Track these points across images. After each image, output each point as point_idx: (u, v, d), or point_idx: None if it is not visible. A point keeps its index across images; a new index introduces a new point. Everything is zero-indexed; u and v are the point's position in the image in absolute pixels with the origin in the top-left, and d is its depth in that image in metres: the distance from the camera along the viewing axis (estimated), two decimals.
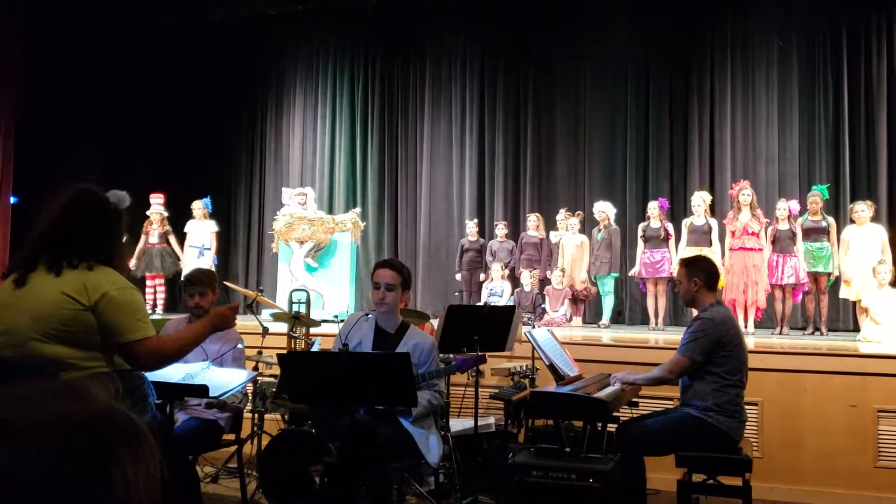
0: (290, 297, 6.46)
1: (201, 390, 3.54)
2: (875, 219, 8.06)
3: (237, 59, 12.02)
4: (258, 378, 4.98)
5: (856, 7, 9.75)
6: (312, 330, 5.71)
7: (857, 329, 7.84)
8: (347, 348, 3.74)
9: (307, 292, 6.40)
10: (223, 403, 4.07)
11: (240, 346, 4.33)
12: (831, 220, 8.22)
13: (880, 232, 7.87)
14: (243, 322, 7.31)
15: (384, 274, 3.88)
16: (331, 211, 11.06)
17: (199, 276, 4.44)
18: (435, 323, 4.79)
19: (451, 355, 4.65)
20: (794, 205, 8.32)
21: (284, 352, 5.05)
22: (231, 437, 4.56)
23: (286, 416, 5.14)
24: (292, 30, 11.94)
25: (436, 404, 3.93)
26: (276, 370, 5.31)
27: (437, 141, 11.64)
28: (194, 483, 3.79)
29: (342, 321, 5.03)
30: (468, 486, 4.73)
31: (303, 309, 5.82)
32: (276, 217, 9.79)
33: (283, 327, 5.72)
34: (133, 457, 0.77)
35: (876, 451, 5.14)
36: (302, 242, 9.42)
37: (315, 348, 5.20)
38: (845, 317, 9.06)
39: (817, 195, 8.24)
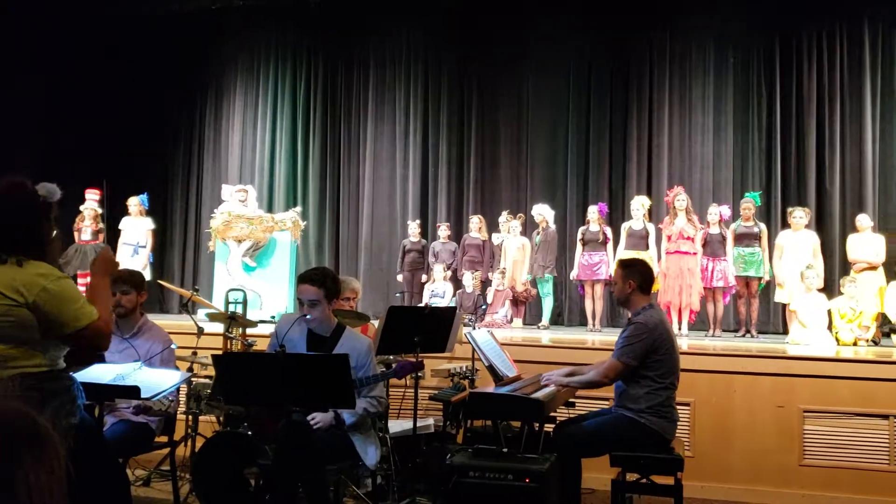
0: (227, 296, 6.34)
1: (133, 391, 3.44)
2: (807, 225, 8.35)
3: (176, 54, 11.76)
4: (192, 379, 4.88)
5: (788, 23, 10.14)
6: (249, 331, 5.61)
7: (786, 332, 8.10)
8: (284, 349, 3.70)
9: (244, 292, 6.30)
10: (149, 408, 3.97)
11: (173, 346, 4.23)
12: (763, 226, 8.50)
13: (813, 238, 8.16)
14: (178, 322, 7.18)
15: (305, 290, 3.85)
16: (270, 209, 10.93)
17: (121, 274, 4.33)
18: (376, 324, 4.77)
19: (391, 357, 4.64)
20: (726, 210, 8.58)
21: (220, 353, 4.97)
22: (164, 439, 4.46)
23: (221, 418, 5.04)
24: (233, 25, 11.75)
25: (373, 412, 3.91)
26: (212, 371, 5.23)
27: (381, 141, 11.60)
28: (124, 486, 3.68)
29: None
30: (406, 488, 4.72)
31: (239, 309, 5.72)
32: (213, 215, 9.61)
33: (219, 328, 5.62)
34: (36, 460, 0.75)
35: (801, 449, 5.31)
36: (240, 241, 9.26)
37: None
38: (775, 319, 9.38)
39: (750, 202, 8.49)
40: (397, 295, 9.65)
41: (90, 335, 2.62)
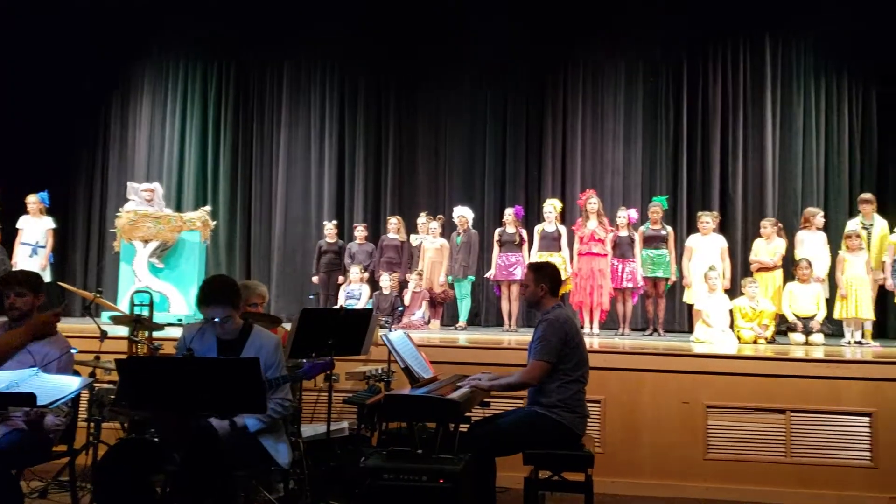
0: (132, 299, 6.09)
1: (28, 399, 3.27)
2: (714, 229, 8.68)
3: (82, 48, 11.24)
4: (95, 385, 4.68)
5: (695, 37, 10.58)
6: (156, 334, 5.42)
7: (691, 330, 8.39)
8: (192, 353, 3.59)
9: (151, 294, 6.06)
10: (38, 422, 3.78)
11: (72, 351, 4.04)
12: (670, 228, 8.80)
13: (720, 241, 8.49)
14: (80, 325, 6.88)
15: (214, 312, 3.76)
16: (179, 208, 10.62)
17: (15, 275, 4.11)
18: (288, 327, 4.68)
19: (304, 360, 4.56)
20: (634, 213, 8.87)
21: (124, 357, 4.78)
22: (63, 448, 4.25)
23: (125, 425, 4.86)
24: (143, 19, 11.34)
25: (281, 412, 3.85)
26: (115, 376, 5.02)
27: (295, 140, 11.44)
28: (17, 499, 3.50)
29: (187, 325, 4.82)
30: (319, 492, 4.65)
31: (145, 312, 5.51)
32: (118, 214, 9.24)
33: (123, 331, 5.41)
34: None
35: (705, 444, 5.52)
36: (146, 241, 8.94)
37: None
38: (680, 318, 9.73)
39: (657, 205, 8.78)
40: (311, 297, 9.52)
41: None
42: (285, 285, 10.98)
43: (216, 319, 3.75)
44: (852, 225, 8.27)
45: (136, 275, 8.88)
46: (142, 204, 9.23)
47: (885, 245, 7.86)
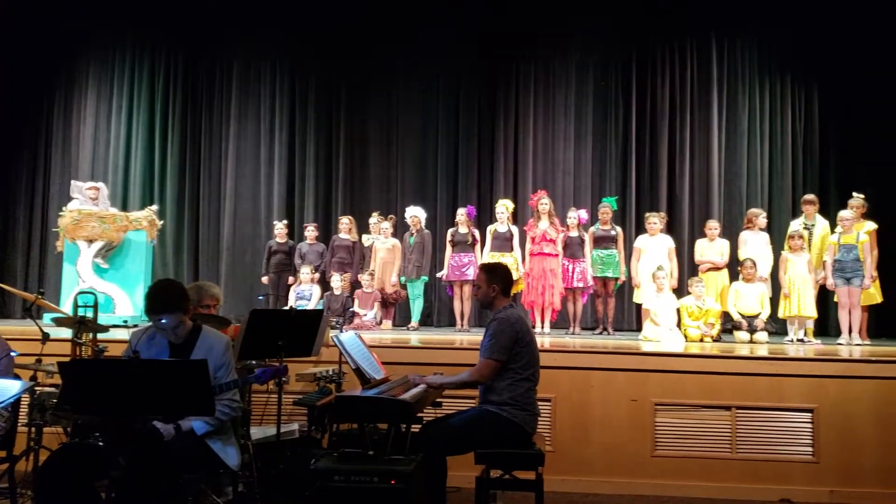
0: (76, 300, 5.94)
1: None
2: (662, 229, 8.83)
3: (22, 41, 10.91)
4: (36, 389, 4.55)
5: (643, 40, 10.76)
6: (100, 336, 5.30)
7: (639, 329, 8.52)
8: (138, 355, 3.52)
9: (95, 295, 5.92)
10: None
11: (12, 354, 3.92)
12: (619, 229, 8.93)
13: (668, 241, 8.63)
14: (21, 327, 6.69)
15: (166, 318, 3.72)
16: (125, 207, 10.40)
17: None
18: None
19: (253, 362, 4.50)
20: (584, 214, 8.97)
21: (67, 359, 4.66)
22: (2, 454, 4.13)
23: (68, 429, 4.73)
24: (88, 12, 11.06)
25: (230, 414, 3.80)
26: (58, 379, 4.89)
27: (244, 138, 11.30)
28: None
29: (134, 326, 4.72)
30: (269, 495, 4.60)
31: (90, 313, 5.37)
32: (62, 213, 8.99)
33: (67, 333, 5.27)
34: None
35: (653, 441, 5.61)
36: (91, 241, 8.72)
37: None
38: (629, 317, 9.87)
39: (607, 206, 8.90)
40: (261, 298, 9.41)
41: None
42: (234, 286, 10.82)
43: (165, 323, 3.68)
44: (795, 225, 8.49)
45: (79, 275, 8.66)
46: (86, 203, 9.01)
47: (826, 245, 8.09)
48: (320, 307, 8.71)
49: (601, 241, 8.73)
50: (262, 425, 5.25)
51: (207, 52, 11.42)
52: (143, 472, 3.37)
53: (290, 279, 9.53)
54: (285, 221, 10.07)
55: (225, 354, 3.81)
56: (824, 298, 8.65)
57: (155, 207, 9.62)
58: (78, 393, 3.39)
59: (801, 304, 7.83)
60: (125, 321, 8.09)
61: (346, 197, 11.15)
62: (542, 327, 8.49)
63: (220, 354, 3.78)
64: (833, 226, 8.09)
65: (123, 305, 8.61)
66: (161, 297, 3.72)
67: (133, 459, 3.36)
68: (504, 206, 8.99)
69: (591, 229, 8.85)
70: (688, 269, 9.37)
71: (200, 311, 4.44)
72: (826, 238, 8.20)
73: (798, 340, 7.80)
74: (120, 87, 11.36)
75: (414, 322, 9.25)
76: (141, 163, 11.24)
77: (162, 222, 9.73)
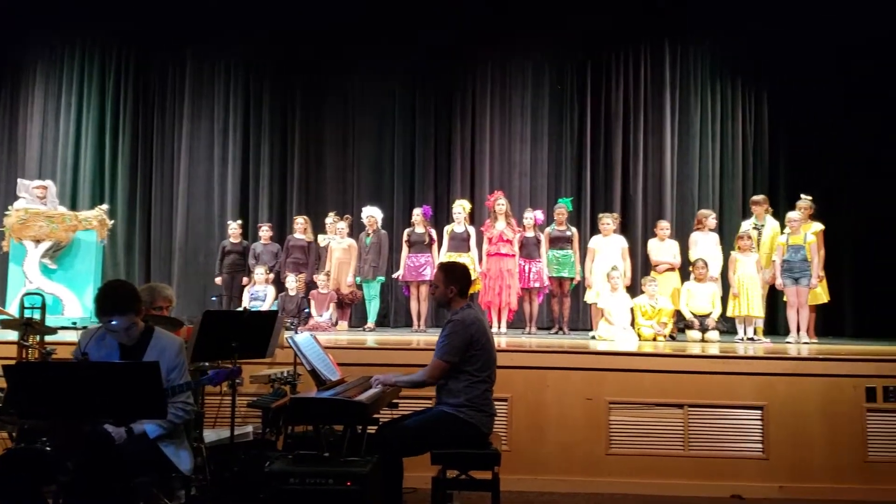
0: (23, 301, 5.79)
1: None
2: (615, 230, 8.94)
3: None
4: None
5: (599, 44, 10.89)
6: (48, 338, 5.17)
7: (595, 328, 8.60)
8: (87, 358, 3.44)
9: (43, 296, 5.78)
10: None
11: None
12: (574, 229, 9.02)
13: (621, 241, 8.75)
14: None
15: (118, 321, 3.62)
16: (74, 207, 10.18)
17: None
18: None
19: (206, 364, 4.44)
20: (540, 214, 9.05)
21: (13, 362, 4.53)
22: None
23: (14, 434, 4.60)
24: (32, 7, 10.76)
25: (183, 416, 3.73)
26: (3, 383, 4.75)
27: (197, 137, 11.14)
28: None
29: (83, 328, 4.61)
30: (223, 498, 4.53)
31: (37, 315, 5.24)
32: (7, 212, 8.74)
33: (13, 335, 5.13)
34: None
35: (608, 439, 5.67)
36: (38, 241, 8.50)
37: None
38: (584, 317, 9.96)
39: (563, 207, 8.99)
40: (214, 299, 9.28)
41: None
42: (187, 287, 10.65)
43: (116, 325, 3.60)
44: (745, 226, 8.67)
45: (26, 276, 8.45)
46: (33, 202, 8.79)
47: (775, 245, 8.29)
48: (275, 308, 8.62)
49: (557, 242, 8.81)
50: (216, 428, 5.18)
51: (160, 49, 11.22)
52: (93, 477, 3.30)
53: (245, 280, 9.42)
54: (239, 221, 9.95)
55: (178, 357, 3.75)
56: (773, 298, 8.86)
57: (105, 207, 9.42)
58: (24, 397, 3.31)
59: (749, 303, 7.99)
60: (74, 323, 7.89)
61: (301, 197, 11.06)
62: (499, 327, 8.53)
63: (173, 357, 3.71)
64: (782, 227, 8.27)
65: (72, 307, 8.41)
66: (112, 299, 3.63)
67: (81, 464, 3.28)
68: (461, 207, 9.01)
69: (547, 230, 8.93)
70: (641, 268, 9.51)
71: (153, 313, 4.37)
72: (776, 238, 8.39)
73: (748, 339, 7.96)
74: (69, 84, 11.11)
75: (370, 323, 9.21)
76: (91, 161, 11.00)
77: (112, 222, 9.53)
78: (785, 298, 8.12)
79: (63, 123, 11.05)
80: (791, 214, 8.02)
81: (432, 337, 7.31)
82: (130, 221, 11.04)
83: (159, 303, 4.60)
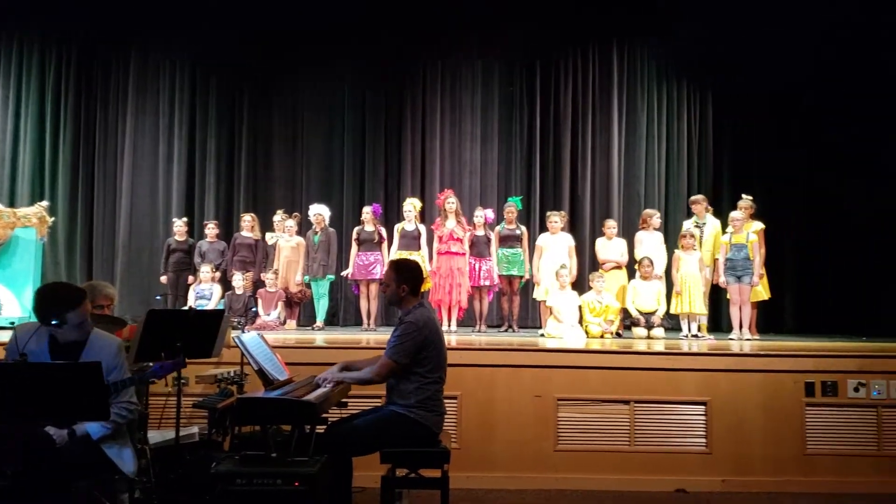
0: None
1: None
2: (563, 228, 9.04)
3: None
4: None
5: (548, 45, 10.96)
6: None
7: (544, 326, 8.68)
8: (26, 358, 3.34)
9: None
10: None
11: None
12: (524, 228, 9.09)
13: (568, 239, 8.85)
14: None
15: (71, 318, 3.58)
16: (12, 203, 9.83)
17: None
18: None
19: (150, 363, 4.35)
20: (490, 213, 9.09)
21: None
22: None
23: None
24: None
25: (127, 417, 3.65)
26: None
27: (142, 133, 10.90)
28: None
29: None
30: (168, 501, 4.45)
31: None
32: None
33: None
34: None
35: (556, 436, 5.72)
36: None
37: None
38: (533, 314, 10.05)
39: (512, 206, 9.05)
40: (158, 297, 9.10)
41: None
42: (131, 285, 10.42)
43: (68, 320, 3.50)
44: (687, 225, 8.85)
45: None
46: None
47: (718, 243, 8.48)
48: (221, 307, 8.49)
49: (506, 240, 8.87)
50: (161, 429, 5.08)
51: (103, 42, 10.93)
52: (32, 481, 3.21)
53: (190, 278, 9.26)
54: (185, 219, 9.77)
55: (117, 357, 3.67)
56: (717, 295, 9.06)
57: (45, 203, 9.17)
58: None
59: (691, 300, 8.16)
60: (12, 323, 7.67)
61: (248, 194, 10.92)
62: (449, 325, 8.55)
63: (112, 358, 3.63)
64: (725, 226, 8.46)
65: (10, 306, 8.17)
66: (54, 298, 3.57)
67: (20, 468, 3.19)
68: (412, 205, 9.00)
69: (497, 228, 8.98)
70: (588, 266, 9.64)
71: (94, 312, 4.26)
72: (717, 236, 8.59)
73: (692, 336, 8.13)
74: (6, 77, 10.75)
75: (319, 322, 9.14)
76: (30, 157, 10.67)
77: (53, 219, 9.29)
78: (728, 296, 8.30)
79: (0, 118, 10.69)
80: (734, 214, 8.21)
81: (382, 336, 7.30)
82: (72, 219, 10.74)
83: (100, 301, 4.50)
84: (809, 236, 10.15)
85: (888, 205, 9.42)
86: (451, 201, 8.82)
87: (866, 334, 8.65)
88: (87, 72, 10.98)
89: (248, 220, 9.36)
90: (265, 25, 10.72)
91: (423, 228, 8.98)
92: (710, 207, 8.99)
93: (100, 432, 3.56)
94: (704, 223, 8.79)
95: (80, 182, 10.84)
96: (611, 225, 8.97)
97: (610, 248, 8.82)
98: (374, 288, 8.82)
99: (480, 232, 8.83)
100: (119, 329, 4.55)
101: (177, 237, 9.47)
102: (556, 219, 8.87)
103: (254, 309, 8.65)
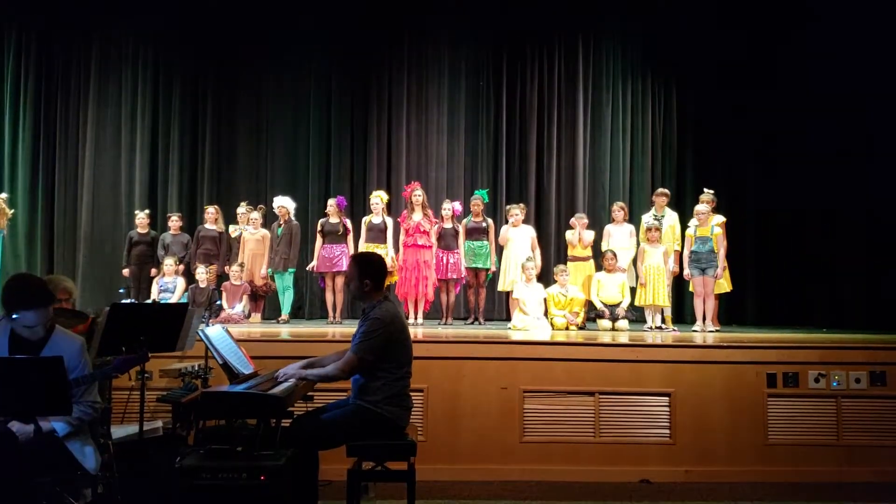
0: None
1: None
2: (526, 220, 9.09)
3: None
4: None
5: (514, 38, 10.98)
6: None
7: (509, 318, 8.74)
8: None
9: None
10: None
11: None
12: (490, 221, 9.12)
13: (530, 232, 8.90)
14: None
15: (31, 317, 3.53)
16: None
17: None
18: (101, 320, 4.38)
19: (112, 358, 4.29)
20: (458, 205, 9.10)
21: None
22: None
23: None
24: None
25: (87, 420, 3.60)
26: None
27: (103, 124, 10.72)
28: None
29: None
30: (132, 496, 4.40)
31: None
32: None
33: None
34: None
35: (521, 427, 5.77)
36: None
37: None
38: (499, 307, 10.10)
39: (479, 198, 9.07)
40: (121, 291, 8.97)
41: None
42: (93, 278, 10.26)
43: (29, 318, 3.44)
44: (646, 218, 8.94)
45: None
46: None
47: (675, 235, 8.60)
48: (184, 300, 8.40)
49: (473, 233, 8.89)
50: (124, 424, 5.02)
51: (63, 31, 10.71)
52: None
53: (153, 271, 9.15)
54: (147, 211, 9.65)
55: (79, 356, 3.62)
56: (680, 287, 9.19)
57: (4, 195, 9.02)
58: None
59: (655, 293, 8.26)
60: None
61: (212, 186, 10.79)
62: (416, 318, 8.55)
63: (74, 356, 3.58)
64: (685, 218, 8.57)
65: None
66: (24, 293, 3.51)
67: None
68: (379, 198, 8.97)
69: (464, 221, 9.00)
70: (553, 258, 9.70)
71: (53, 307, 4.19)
72: (674, 229, 8.72)
73: (657, 328, 8.23)
74: None
75: (284, 315, 9.09)
76: None
77: (13, 211, 9.13)
78: (691, 288, 8.42)
79: None
80: (699, 207, 8.32)
81: (348, 329, 7.28)
82: (32, 210, 10.53)
83: (59, 295, 4.42)
84: (770, 229, 10.32)
85: (849, 196, 9.62)
86: (417, 194, 8.82)
87: (826, 326, 8.85)
88: (48, 60, 10.75)
89: (211, 212, 9.26)
90: (229, 15, 10.59)
91: (390, 221, 8.96)
92: (667, 200, 9.06)
93: (66, 429, 3.52)
94: (663, 216, 8.89)
95: (40, 173, 10.63)
96: (578, 216, 9.03)
97: (577, 240, 8.86)
98: (339, 281, 8.79)
99: (448, 224, 8.84)
100: (79, 324, 4.48)
101: (139, 229, 9.35)
102: (517, 212, 8.93)
103: (218, 302, 8.57)
